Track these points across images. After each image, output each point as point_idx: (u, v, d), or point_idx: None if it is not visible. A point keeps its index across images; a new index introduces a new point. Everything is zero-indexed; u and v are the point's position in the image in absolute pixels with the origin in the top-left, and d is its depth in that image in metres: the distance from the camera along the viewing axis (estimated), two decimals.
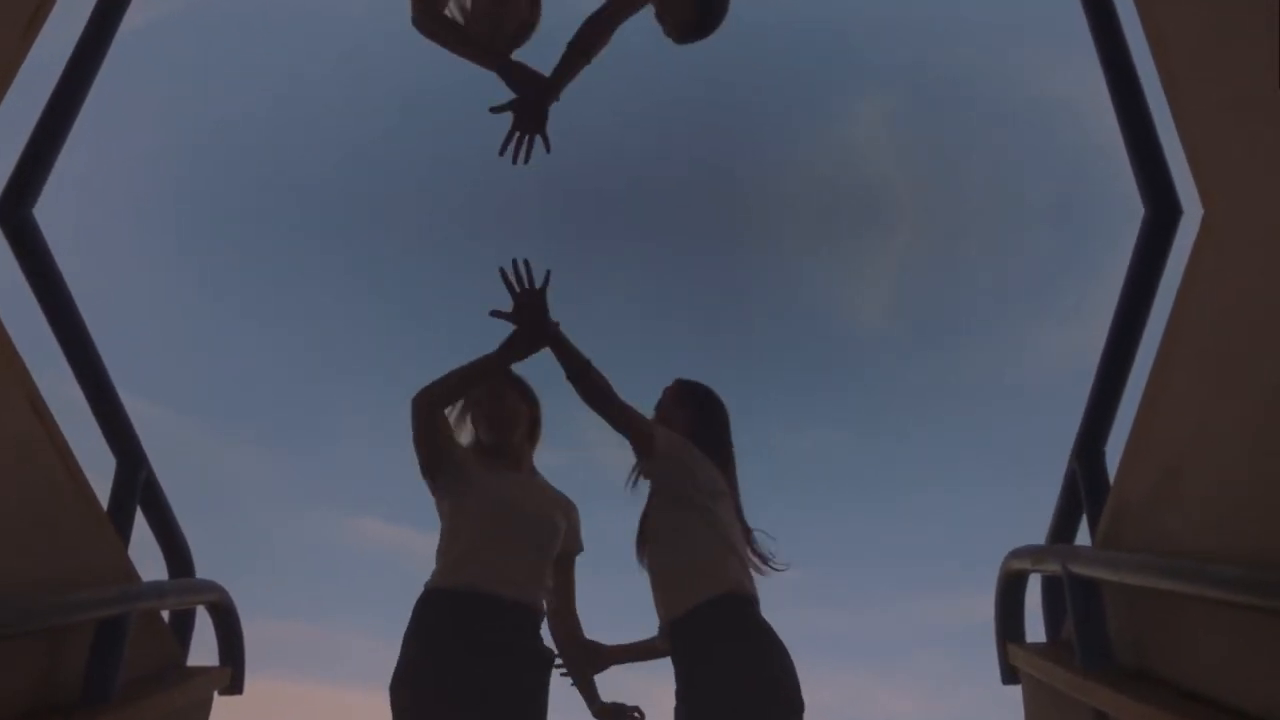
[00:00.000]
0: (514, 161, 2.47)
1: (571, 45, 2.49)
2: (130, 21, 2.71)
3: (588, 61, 2.51)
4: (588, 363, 2.60)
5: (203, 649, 3.11)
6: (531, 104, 2.44)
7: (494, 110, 2.46)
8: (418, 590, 2.55)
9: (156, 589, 2.68)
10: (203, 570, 3.08)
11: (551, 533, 2.65)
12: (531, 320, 2.57)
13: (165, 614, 2.96)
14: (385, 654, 2.47)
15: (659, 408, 2.94)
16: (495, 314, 2.59)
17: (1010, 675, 2.94)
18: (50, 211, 2.56)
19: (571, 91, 2.52)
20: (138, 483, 2.79)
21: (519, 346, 2.60)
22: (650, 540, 2.71)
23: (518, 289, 2.58)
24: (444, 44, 2.50)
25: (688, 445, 2.71)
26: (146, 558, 2.88)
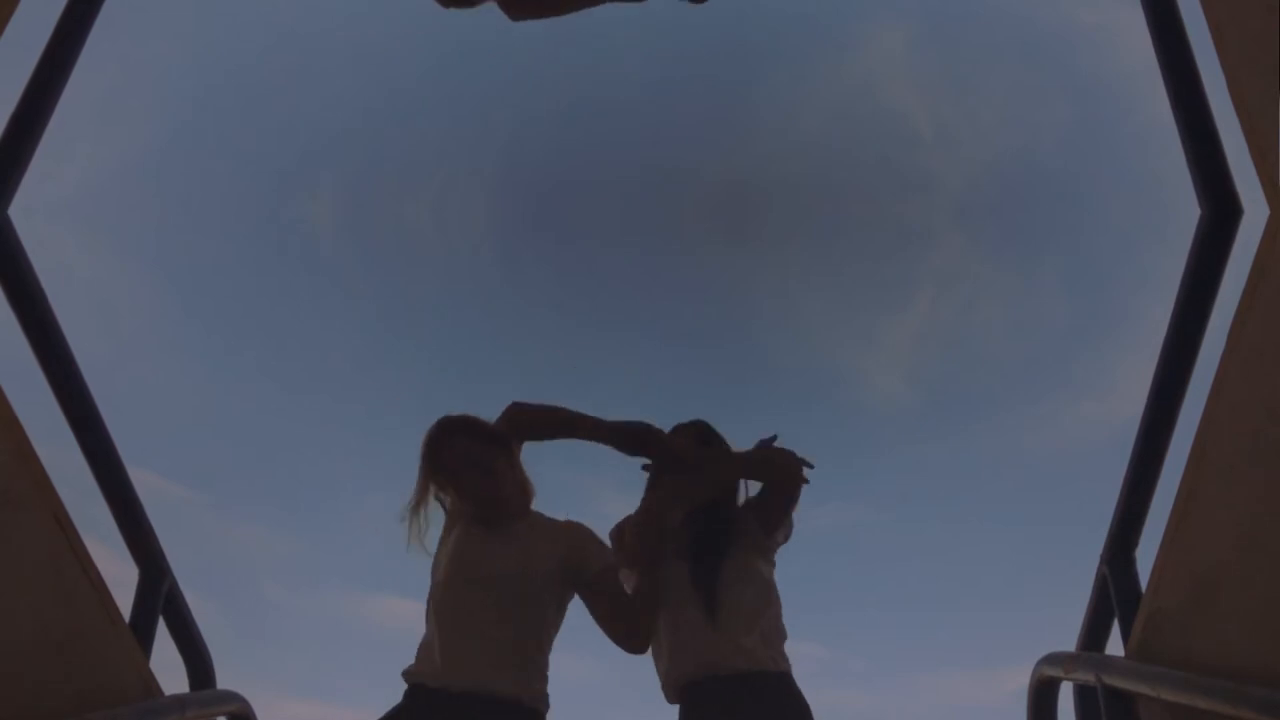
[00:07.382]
0: None
1: None
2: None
3: None
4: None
5: None
6: None
7: None
8: None
9: (177, 703, 2.66)
10: (220, 651, 3.04)
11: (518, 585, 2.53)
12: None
13: None
14: None
15: None
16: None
17: None
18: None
19: (567, 77, 2.46)
20: (160, 593, 2.79)
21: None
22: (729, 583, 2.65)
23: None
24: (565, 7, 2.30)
25: None
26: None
